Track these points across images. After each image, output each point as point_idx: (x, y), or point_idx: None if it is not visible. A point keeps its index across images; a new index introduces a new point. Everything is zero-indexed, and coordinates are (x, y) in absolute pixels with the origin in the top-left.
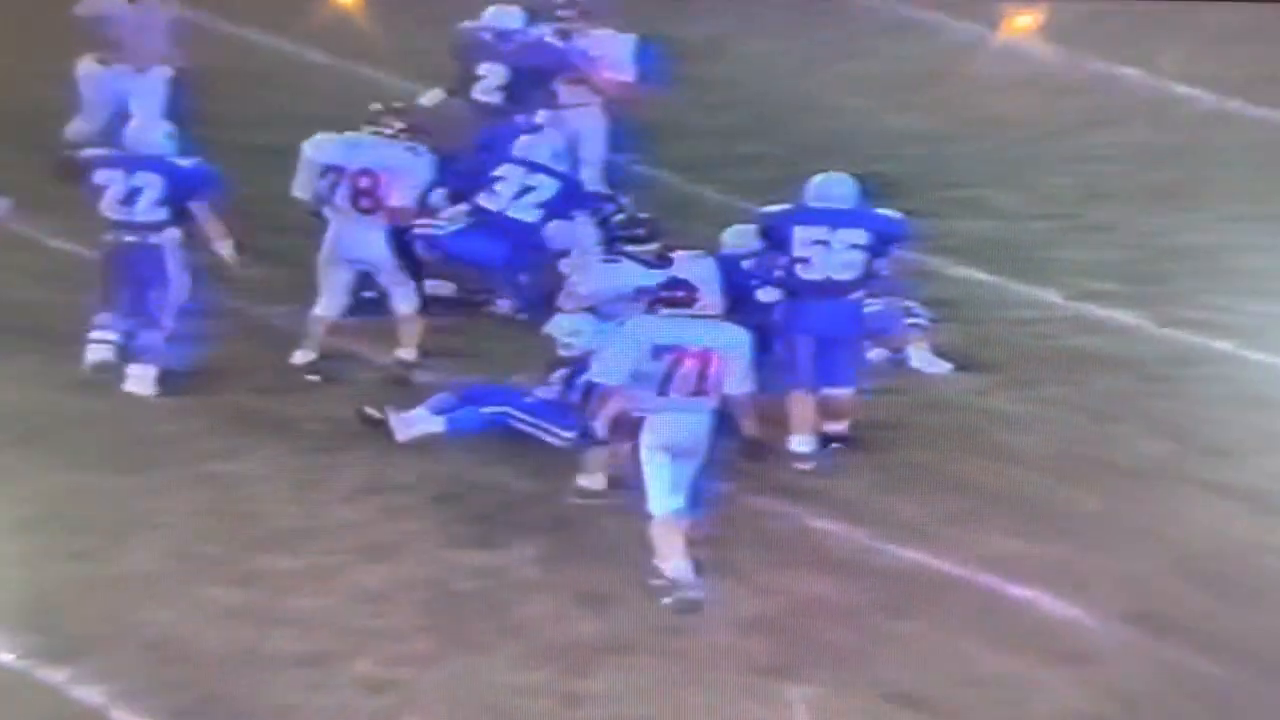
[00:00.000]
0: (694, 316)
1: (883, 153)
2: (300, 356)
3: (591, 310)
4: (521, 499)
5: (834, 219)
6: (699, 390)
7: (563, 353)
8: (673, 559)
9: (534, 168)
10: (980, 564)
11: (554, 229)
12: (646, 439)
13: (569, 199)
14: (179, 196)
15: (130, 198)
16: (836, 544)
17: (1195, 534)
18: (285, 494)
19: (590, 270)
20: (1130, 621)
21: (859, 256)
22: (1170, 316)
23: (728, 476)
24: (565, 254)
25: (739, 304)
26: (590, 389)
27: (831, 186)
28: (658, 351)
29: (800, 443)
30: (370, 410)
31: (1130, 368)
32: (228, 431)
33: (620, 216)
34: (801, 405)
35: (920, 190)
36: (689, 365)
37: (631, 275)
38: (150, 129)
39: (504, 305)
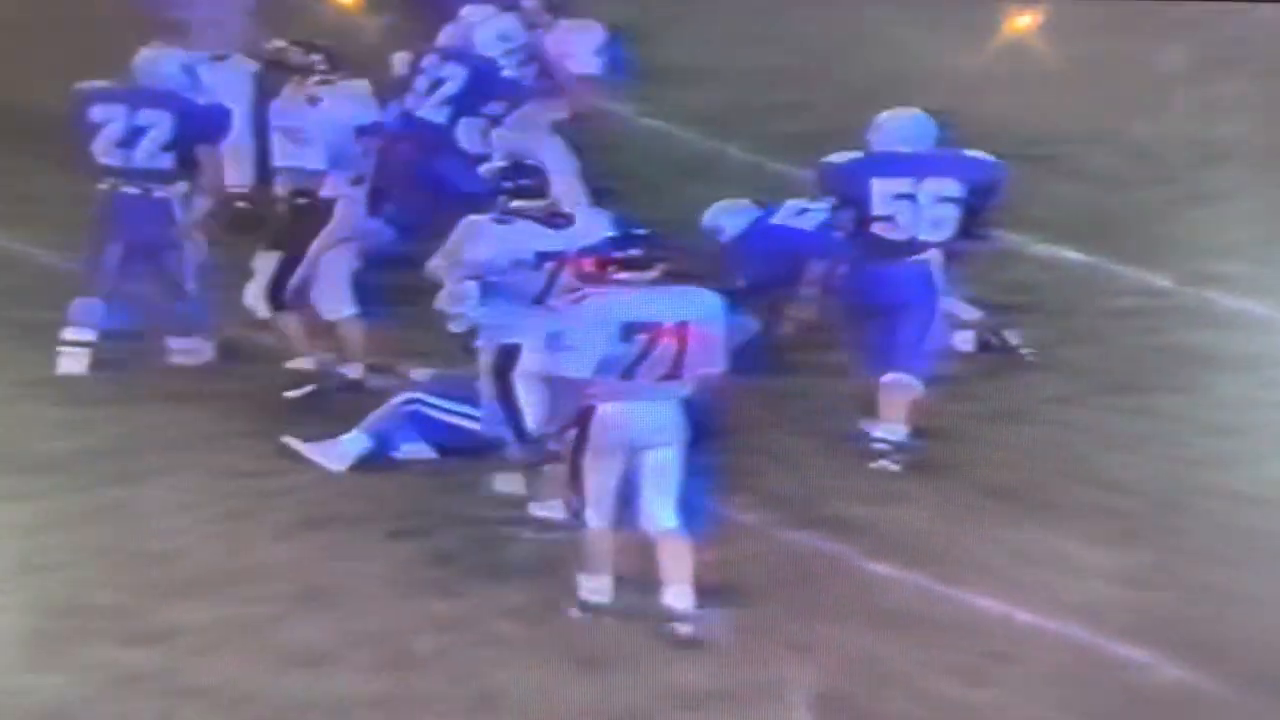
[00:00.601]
0: (656, 284)
1: (948, 101)
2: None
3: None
4: (495, 535)
5: (920, 167)
6: (673, 374)
7: (453, 327)
8: (597, 575)
9: (448, 55)
10: (1072, 615)
11: (464, 128)
12: (597, 439)
13: (478, 90)
14: (187, 140)
15: (130, 139)
16: (894, 589)
17: None
18: (205, 528)
19: (480, 233)
20: (1263, 688)
21: (951, 212)
22: None
23: (762, 507)
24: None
25: (786, 279)
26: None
27: (908, 127)
28: (628, 330)
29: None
30: (291, 441)
31: (1256, 370)
32: (134, 449)
33: (500, 165)
34: (879, 390)
35: (994, 147)
36: (665, 344)
37: (530, 238)
38: (162, 57)
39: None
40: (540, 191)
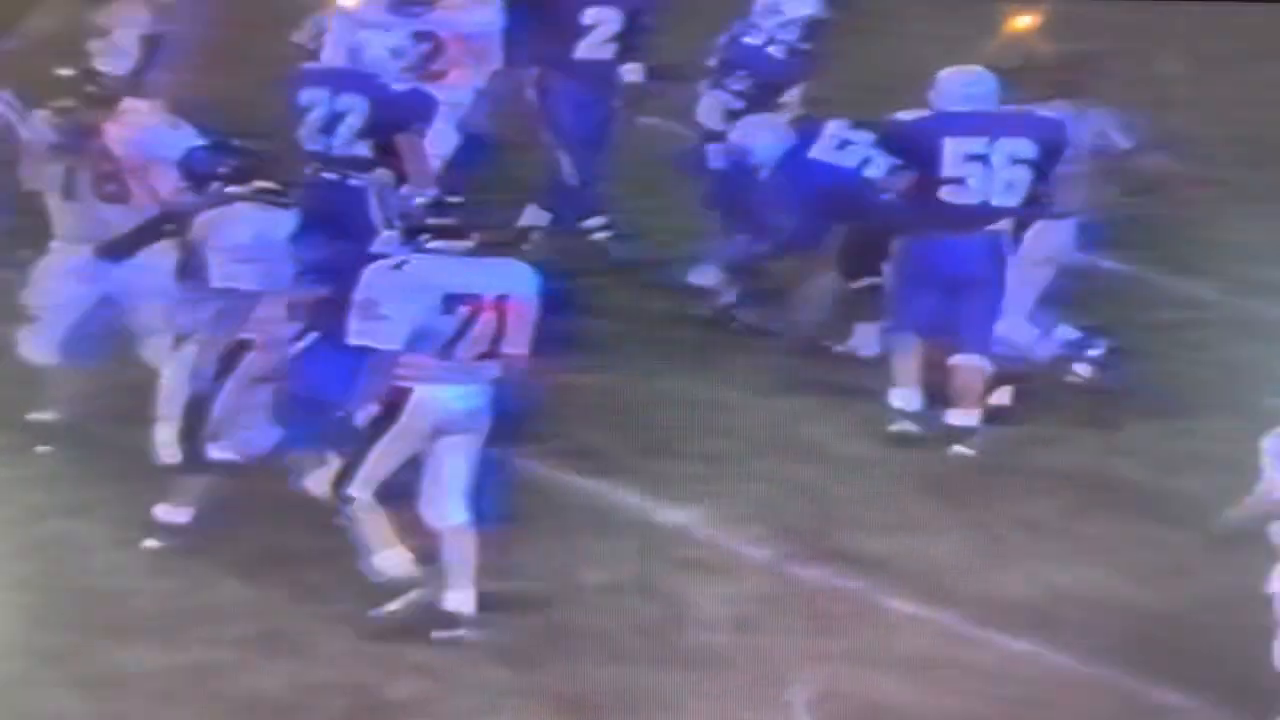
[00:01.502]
0: (474, 254)
1: None
2: None
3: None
4: (487, 567)
5: (994, 125)
6: (490, 353)
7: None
8: (459, 589)
9: (341, 82)
10: (1113, 658)
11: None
12: (408, 423)
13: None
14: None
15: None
16: (916, 630)
17: None
18: (154, 563)
19: (228, 218)
20: None
21: (1024, 174)
22: None
23: (770, 540)
24: None
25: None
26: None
27: (974, 84)
28: (449, 302)
29: (903, 397)
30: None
31: None
32: (75, 477)
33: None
34: (909, 348)
35: None
36: (486, 319)
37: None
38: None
39: None
40: (462, 233)
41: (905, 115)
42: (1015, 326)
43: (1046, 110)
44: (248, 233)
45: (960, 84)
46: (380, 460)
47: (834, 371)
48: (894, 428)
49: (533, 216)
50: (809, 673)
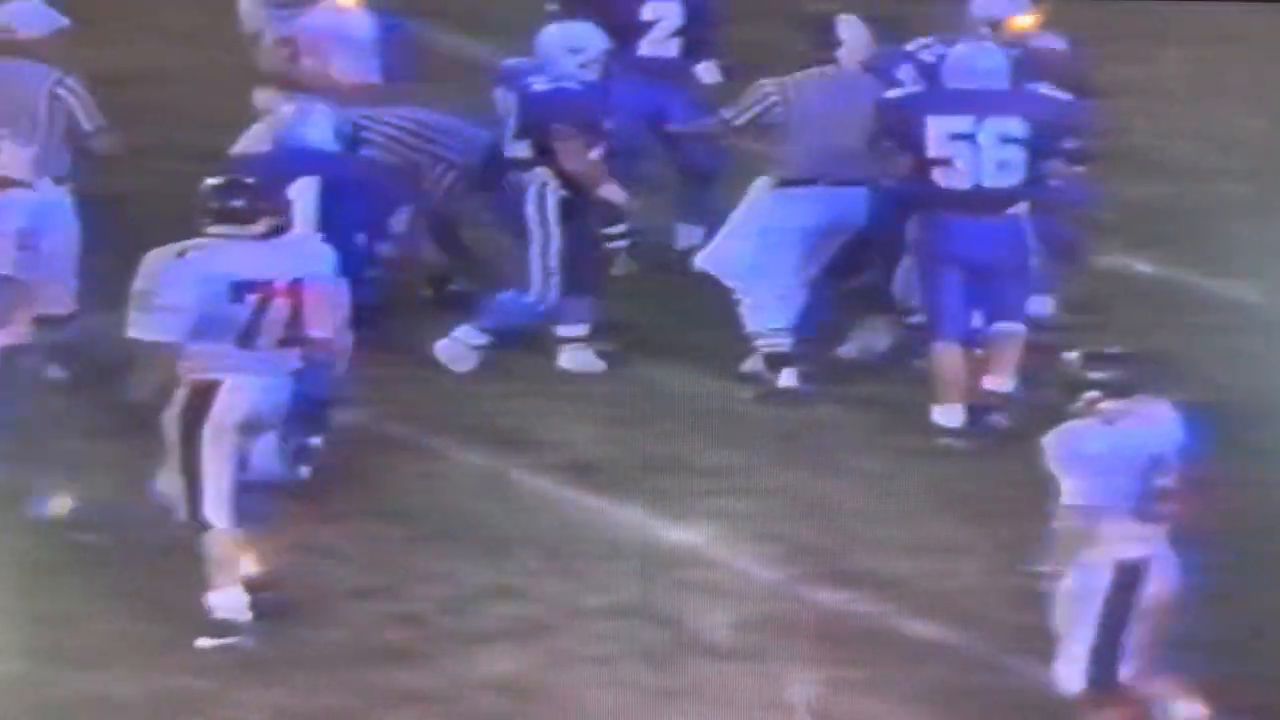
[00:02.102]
0: (265, 238)
1: None
2: None
3: None
4: (478, 592)
5: (979, 104)
6: (288, 339)
7: None
8: (226, 589)
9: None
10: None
11: None
12: (221, 416)
13: None
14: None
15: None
16: (941, 660)
17: None
18: (124, 584)
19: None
20: None
21: (1018, 154)
22: None
23: (784, 560)
24: None
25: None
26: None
27: (973, 59)
28: (237, 289)
29: (945, 414)
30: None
31: None
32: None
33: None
34: (949, 361)
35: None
36: (280, 305)
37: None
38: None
39: None
40: (250, 216)
41: (893, 92)
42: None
43: (1049, 89)
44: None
45: (957, 59)
46: (211, 470)
47: (846, 380)
48: (939, 442)
49: (686, 235)
50: (822, 702)
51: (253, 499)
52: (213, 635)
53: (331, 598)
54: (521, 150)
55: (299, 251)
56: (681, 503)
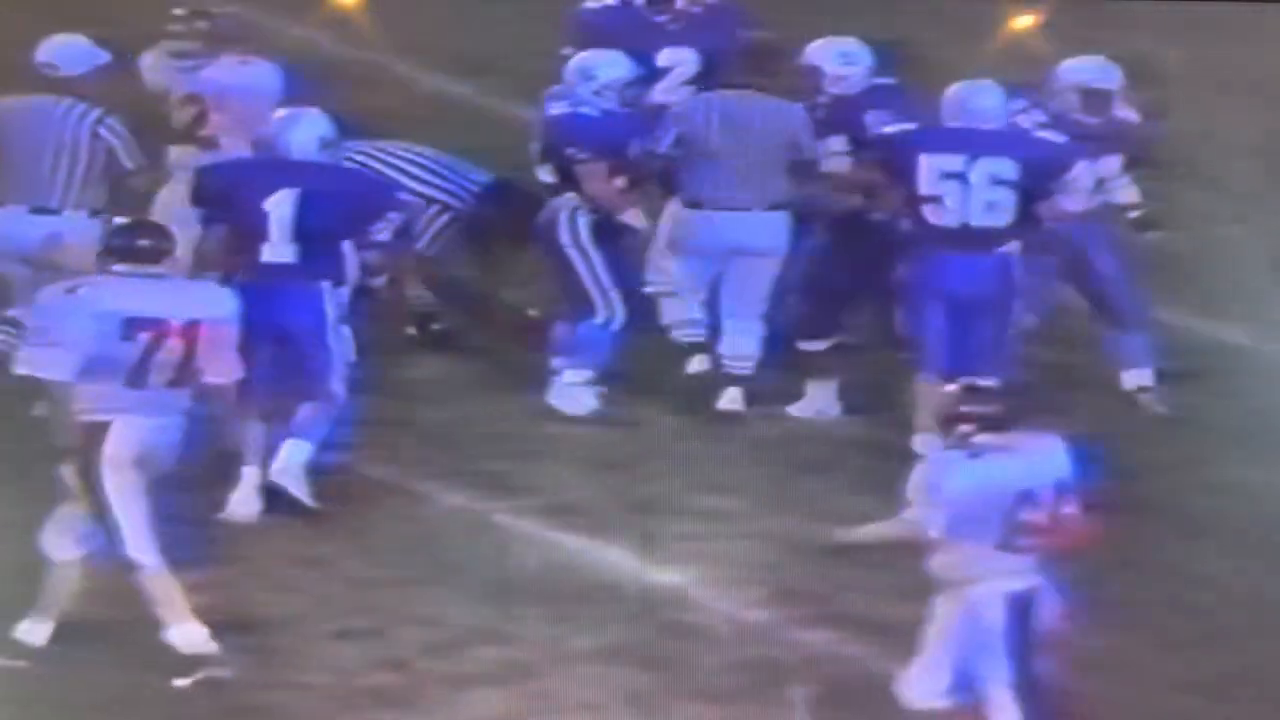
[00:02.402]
0: (164, 277)
1: None
2: None
3: None
4: (465, 635)
5: (973, 143)
6: (179, 379)
7: None
8: (179, 624)
9: None
10: None
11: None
12: (116, 454)
13: None
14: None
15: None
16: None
17: None
18: (94, 628)
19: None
20: None
21: (1007, 195)
22: None
23: (771, 603)
24: None
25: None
26: None
27: (971, 98)
28: (128, 327)
29: (926, 444)
30: None
31: None
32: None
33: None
34: (930, 395)
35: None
36: (172, 346)
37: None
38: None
39: None
40: (154, 257)
41: (890, 128)
42: None
43: (1044, 132)
44: None
45: (957, 98)
46: (121, 505)
47: (837, 424)
48: None
49: None
50: None
51: (182, 542)
52: (185, 673)
53: (316, 640)
54: (546, 175)
55: (198, 294)
56: (669, 545)
